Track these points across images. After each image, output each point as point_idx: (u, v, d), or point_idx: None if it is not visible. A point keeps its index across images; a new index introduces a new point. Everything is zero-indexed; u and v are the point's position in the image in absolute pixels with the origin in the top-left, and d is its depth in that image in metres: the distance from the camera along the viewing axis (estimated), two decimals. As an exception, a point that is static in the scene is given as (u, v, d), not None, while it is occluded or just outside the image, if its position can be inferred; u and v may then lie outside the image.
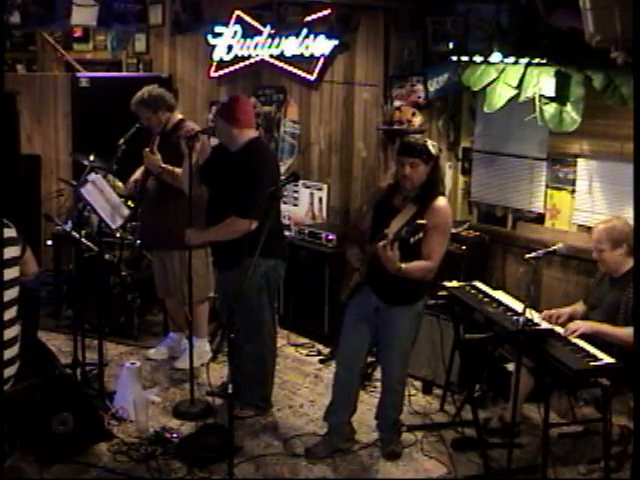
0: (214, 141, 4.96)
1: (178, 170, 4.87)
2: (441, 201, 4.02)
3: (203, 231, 4.59)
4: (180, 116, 5.29)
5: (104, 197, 4.84)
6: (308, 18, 6.10)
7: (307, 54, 6.18)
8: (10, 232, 3.52)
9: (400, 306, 4.12)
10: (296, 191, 6.52)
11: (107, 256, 5.79)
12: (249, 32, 6.58)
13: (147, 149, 5.04)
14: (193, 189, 4.61)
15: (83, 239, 5.33)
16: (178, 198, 4.83)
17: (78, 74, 7.17)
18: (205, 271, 5.18)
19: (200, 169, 4.65)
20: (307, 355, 5.73)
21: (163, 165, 5.01)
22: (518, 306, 4.10)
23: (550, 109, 4.75)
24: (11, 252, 3.48)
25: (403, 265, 3.82)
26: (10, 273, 3.47)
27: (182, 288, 4.99)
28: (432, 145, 4.03)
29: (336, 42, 6.01)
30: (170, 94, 5.33)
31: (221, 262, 4.71)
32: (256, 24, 6.53)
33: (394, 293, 4.08)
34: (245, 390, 4.58)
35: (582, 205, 5.07)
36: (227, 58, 6.80)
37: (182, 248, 4.77)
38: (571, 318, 4.23)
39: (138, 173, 5.38)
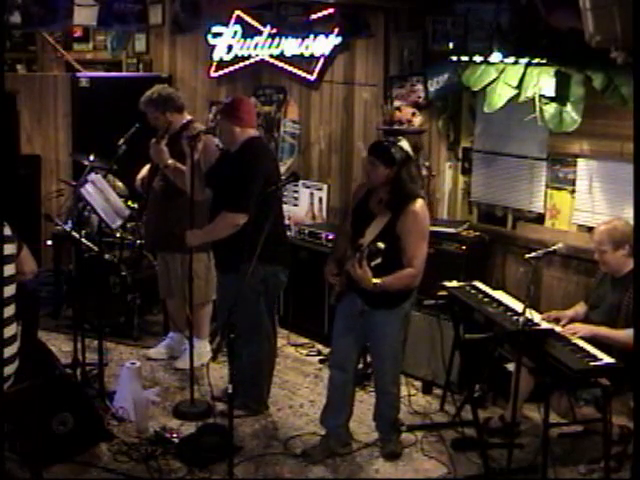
0: (216, 141, 4.97)
1: (184, 167, 4.79)
2: (415, 205, 3.97)
3: (200, 231, 4.58)
4: (189, 117, 5.27)
5: (104, 197, 4.84)
6: (309, 18, 6.10)
7: (307, 54, 6.19)
8: (5, 230, 3.52)
9: (385, 309, 4.09)
10: (296, 191, 6.52)
11: (107, 256, 5.79)
12: (249, 32, 6.59)
13: (154, 140, 4.99)
14: (197, 194, 4.59)
15: (83, 239, 5.33)
16: (183, 200, 4.82)
17: (78, 74, 7.18)
18: (206, 274, 5.17)
19: (206, 175, 4.65)
20: (307, 355, 5.73)
21: (170, 160, 4.94)
22: (518, 306, 4.10)
23: (550, 109, 4.75)
24: (6, 249, 3.49)
25: (379, 281, 3.82)
26: (6, 270, 3.48)
27: (184, 290, 4.98)
28: (400, 149, 3.98)
29: (340, 41, 6.01)
30: (180, 95, 5.30)
31: (221, 264, 4.71)
32: (256, 24, 6.53)
33: (378, 297, 4.01)
34: (239, 390, 4.56)
35: (582, 205, 5.06)
36: (227, 58, 6.81)
37: (184, 251, 4.75)
38: (572, 320, 4.23)
39: (144, 171, 5.38)
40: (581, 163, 5.04)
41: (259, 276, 4.30)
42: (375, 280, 3.83)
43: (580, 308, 4.38)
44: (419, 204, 4.00)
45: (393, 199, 4.00)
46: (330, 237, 5.83)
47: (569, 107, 4.69)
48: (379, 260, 3.72)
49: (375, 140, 4.27)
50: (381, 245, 3.73)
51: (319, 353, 5.73)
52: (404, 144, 4.05)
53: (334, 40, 6.03)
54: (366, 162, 4.09)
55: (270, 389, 4.88)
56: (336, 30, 5.98)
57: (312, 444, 4.39)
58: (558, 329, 4.05)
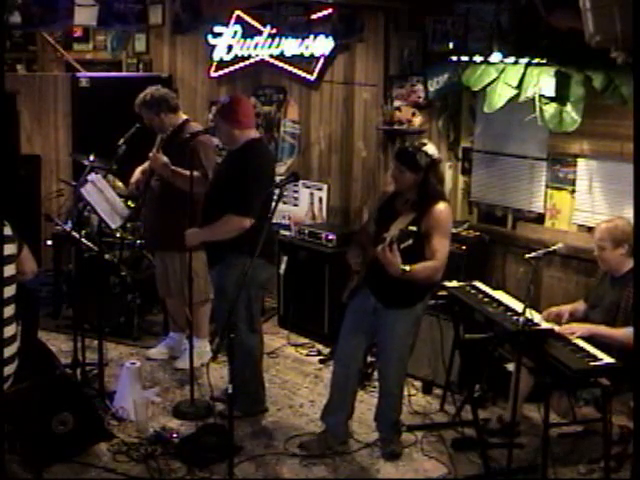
0: (216, 141, 4.96)
1: (186, 172, 4.72)
2: (440, 206, 4.01)
3: (200, 231, 4.57)
4: (184, 117, 5.27)
5: (104, 197, 4.84)
6: (309, 18, 6.09)
7: (307, 54, 6.19)
8: (5, 230, 3.53)
9: (398, 309, 4.10)
10: (296, 191, 6.52)
11: (107, 256, 5.79)
12: (249, 32, 6.58)
13: (153, 151, 4.99)
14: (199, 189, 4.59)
15: (83, 239, 5.34)
16: (181, 199, 4.81)
17: (78, 74, 7.18)
18: (205, 272, 5.16)
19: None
20: (307, 355, 5.72)
21: (172, 167, 4.95)
22: (518, 306, 4.10)
23: (550, 109, 4.75)
24: (7, 250, 3.49)
25: (407, 267, 3.79)
26: (7, 271, 3.48)
27: (182, 289, 4.99)
28: (426, 154, 4.00)
29: (338, 43, 6.01)
30: (173, 95, 5.31)
31: (209, 258, 4.72)
32: (256, 24, 6.53)
33: (392, 295, 4.05)
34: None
35: (582, 205, 5.07)
36: (227, 58, 6.80)
37: (183, 250, 4.75)
38: (572, 316, 4.24)
39: (137, 174, 5.37)
40: (581, 163, 5.04)
41: (240, 268, 4.17)
42: (404, 266, 3.79)
43: (580, 305, 4.39)
44: (443, 205, 4.04)
45: (419, 200, 4.04)
46: (330, 237, 5.83)
47: (569, 107, 4.69)
48: (410, 242, 3.70)
49: (400, 147, 4.30)
50: (413, 227, 3.76)
51: (319, 353, 5.73)
52: (429, 148, 4.06)
53: (337, 42, 6.02)
54: (393, 168, 4.12)
55: (265, 388, 4.86)
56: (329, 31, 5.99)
57: (310, 439, 4.41)
58: (558, 329, 4.06)
